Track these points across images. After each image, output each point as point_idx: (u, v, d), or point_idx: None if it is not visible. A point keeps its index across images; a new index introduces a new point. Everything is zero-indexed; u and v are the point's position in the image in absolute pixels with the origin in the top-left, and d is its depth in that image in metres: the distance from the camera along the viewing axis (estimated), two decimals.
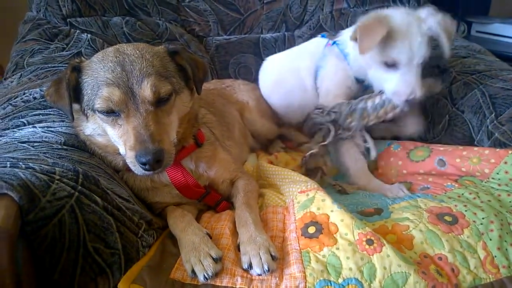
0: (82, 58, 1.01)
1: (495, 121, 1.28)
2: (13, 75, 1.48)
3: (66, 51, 1.57)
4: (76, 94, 0.97)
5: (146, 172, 0.90)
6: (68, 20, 1.68)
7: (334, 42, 1.49)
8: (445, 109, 1.46)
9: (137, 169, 0.90)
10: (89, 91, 0.94)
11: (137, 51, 0.95)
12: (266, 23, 2.04)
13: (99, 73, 0.92)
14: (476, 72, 1.45)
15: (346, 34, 1.44)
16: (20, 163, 0.81)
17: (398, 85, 1.23)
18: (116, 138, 0.94)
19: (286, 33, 2.07)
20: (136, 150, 0.88)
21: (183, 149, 1.09)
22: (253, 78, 2.03)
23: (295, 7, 2.04)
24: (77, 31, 1.66)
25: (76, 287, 0.78)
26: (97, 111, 0.93)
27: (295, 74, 1.63)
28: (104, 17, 1.76)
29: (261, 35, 2.05)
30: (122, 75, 0.91)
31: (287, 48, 2.05)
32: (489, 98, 1.33)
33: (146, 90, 0.90)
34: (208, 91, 1.63)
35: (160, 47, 1.02)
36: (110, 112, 0.92)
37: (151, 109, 0.92)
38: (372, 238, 0.91)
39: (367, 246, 0.90)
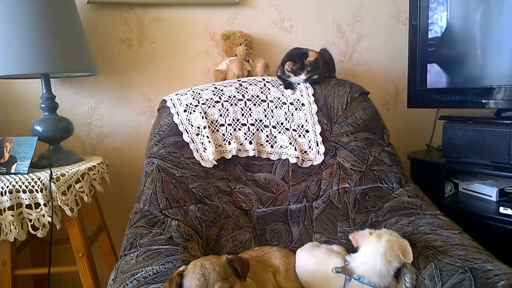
0: (186, 266, 1.74)
1: None
2: (130, 253, 2.17)
3: (163, 235, 2.29)
4: None
5: None
6: (163, 211, 2.48)
7: (352, 278, 1.80)
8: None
9: None
10: None
11: (211, 265, 1.58)
12: (292, 198, 2.80)
13: (192, 280, 1.46)
14: (433, 248, 2.02)
15: (367, 272, 1.82)
16: None
17: None
18: None
19: (306, 204, 2.81)
20: None
21: None
22: (283, 241, 2.76)
23: (312, 186, 2.81)
24: (169, 219, 2.42)
25: None
26: None
27: None
28: (184, 206, 2.56)
29: (289, 207, 2.79)
30: (203, 283, 1.44)
31: (308, 216, 2.84)
32: (439, 270, 1.92)
33: None
34: (252, 258, 2.35)
35: (223, 258, 1.57)
36: None
37: None
38: None
39: None
